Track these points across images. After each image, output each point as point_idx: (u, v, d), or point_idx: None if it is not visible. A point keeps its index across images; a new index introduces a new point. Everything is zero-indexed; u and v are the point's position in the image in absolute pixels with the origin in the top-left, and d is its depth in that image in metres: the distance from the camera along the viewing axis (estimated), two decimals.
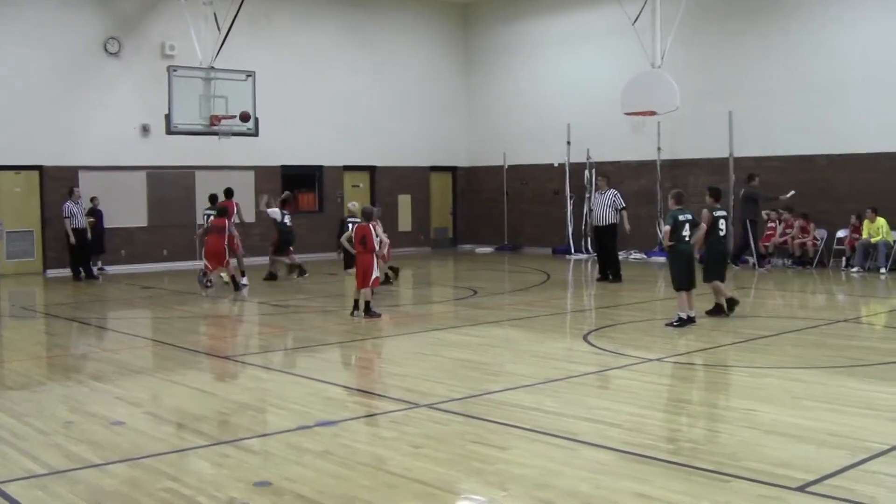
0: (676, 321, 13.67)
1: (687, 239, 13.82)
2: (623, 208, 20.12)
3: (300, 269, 21.85)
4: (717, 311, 14.64)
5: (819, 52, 23.03)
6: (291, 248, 22.24)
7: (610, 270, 20.05)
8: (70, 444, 7.92)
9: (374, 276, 15.03)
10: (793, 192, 21.95)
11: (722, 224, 14.28)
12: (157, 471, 7.13)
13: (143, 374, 11.37)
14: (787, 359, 11.42)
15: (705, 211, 14.29)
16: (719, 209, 14.44)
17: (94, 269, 22.86)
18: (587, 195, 27.23)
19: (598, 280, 20.12)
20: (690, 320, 13.69)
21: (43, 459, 7.46)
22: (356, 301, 15.19)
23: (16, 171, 23.30)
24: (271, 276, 21.58)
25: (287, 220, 22.00)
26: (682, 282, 13.76)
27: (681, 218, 13.84)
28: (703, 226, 14.06)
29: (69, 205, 22.32)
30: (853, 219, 21.88)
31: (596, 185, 20.39)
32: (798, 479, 6.55)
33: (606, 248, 20.30)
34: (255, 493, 6.54)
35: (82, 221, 22.51)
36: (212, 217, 20.03)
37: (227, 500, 6.39)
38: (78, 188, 22.80)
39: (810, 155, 23.07)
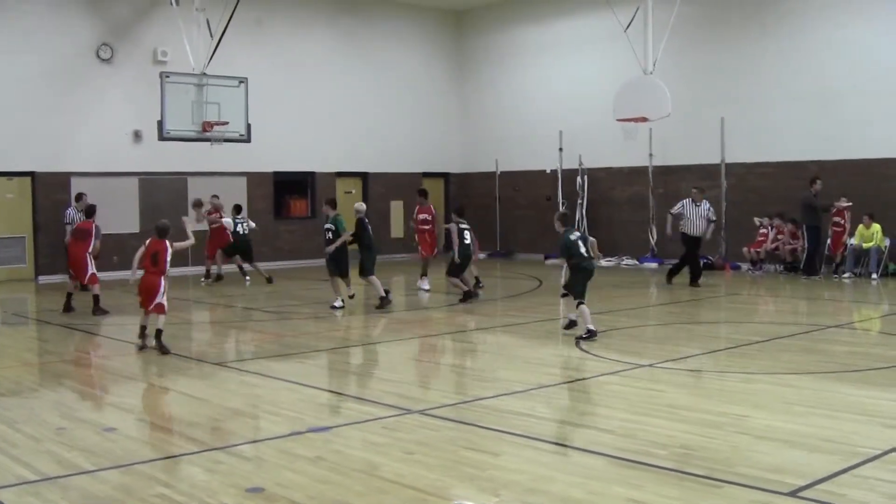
0: (586, 334, 13.25)
1: (588, 256, 13.61)
2: (713, 220, 21.07)
3: (219, 277, 22.44)
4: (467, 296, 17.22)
5: (810, 58, 23.10)
6: (237, 256, 22.63)
7: (696, 274, 20.70)
8: (62, 451, 7.91)
9: (158, 301, 12.90)
10: (847, 202, 21.70)
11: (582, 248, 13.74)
12: (150, 477, 7.12)
13: (134, 381, 11.35)
14: (779, 364, 11.44)
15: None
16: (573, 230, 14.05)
17: None
18: (578, 201, 27.28)
19: (690, 285, 20.41)
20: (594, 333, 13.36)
21: (35, 466, 7.44)
22: (143, 328, 13.10)
23: (8, 177, 23.25)
24: (218, 277, 22.49)
25: (242, 227, 22.40)
26: (582, 293, 13.54)
27: (572, 238, 13.59)
28: (592, 239, 14.08)
29: (71, 211, 21.76)
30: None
31: (692, 196, 20.70)
32: (790, 484, 6.56)
33: (695, 255, 20.93)
34: (248, 499, 6.54)
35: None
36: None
37: None
38: (86, 195, 21.89)
39: (802, 161, 23.13)
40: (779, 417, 8.62)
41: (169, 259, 13.09)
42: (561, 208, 27.29)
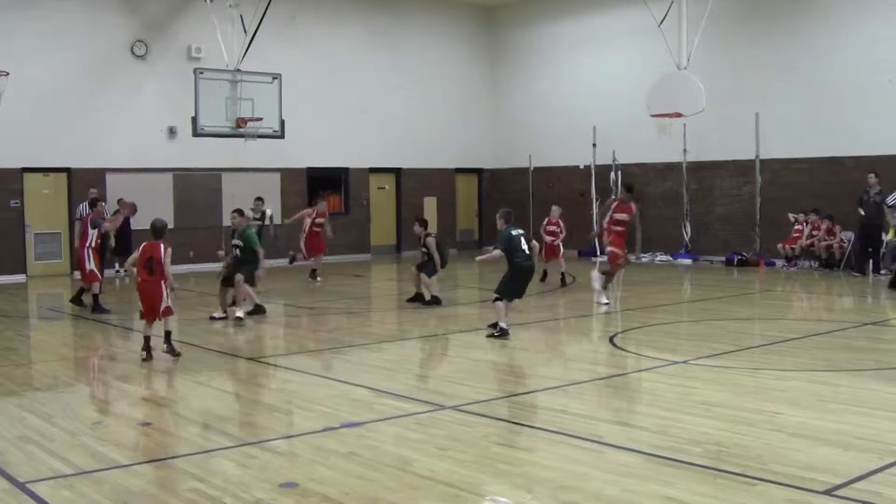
0: (498, 332, 13.13)
1: (528, 253, 13.28)
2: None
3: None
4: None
5: (846, 53, 22.88)
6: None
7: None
8: (97, 445, 7.96)
9: (164, 304, 12.04)
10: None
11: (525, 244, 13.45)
12: (184, 471, 7.16)
13: (169, 375, 11.42)
14: (814, 362, 11.36)
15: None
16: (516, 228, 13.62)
17: (114, 272, 22.72)
18: (612, 196, 27.15)
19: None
20: (505, 332, 13.18)
21: (70, 460, 7.50)
22: (147, 339, 12.10)
23: (44, 172, 23.46)
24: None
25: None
26: (510, 294, 13.33)
27: (514, 232, 13.28)
28: (535, 243, 13.77)
29: (84, 206, 21.57)
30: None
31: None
32: (825, 482, 6.51)
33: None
34: (282, 494, 6.56)
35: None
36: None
37: (253, 501, 6.41)
38: (94, 190, 21.80)
39: (838, 157, 22.92)
40: (813, 415, 8.55)
41: (168, 261, 11.96)
42: (594, 204, 27.26)
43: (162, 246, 12.03)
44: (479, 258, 14.36)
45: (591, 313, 16.33)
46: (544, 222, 21.35)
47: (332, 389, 10.23)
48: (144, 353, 11.96)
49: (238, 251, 15.74)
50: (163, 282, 11.96)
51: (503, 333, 13.04)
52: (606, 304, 16.84)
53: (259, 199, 22.83)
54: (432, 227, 29.08)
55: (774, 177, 24.34)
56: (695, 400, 9.33)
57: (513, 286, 13.29)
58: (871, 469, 6.85)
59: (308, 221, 21.77)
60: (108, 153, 23.89)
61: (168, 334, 12.13)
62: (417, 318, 15.73)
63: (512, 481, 6.81)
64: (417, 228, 17.52)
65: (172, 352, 12.10)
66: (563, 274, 20.29)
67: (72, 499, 6.55)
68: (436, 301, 17.01)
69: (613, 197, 20.71)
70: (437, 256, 16.93)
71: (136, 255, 12.16)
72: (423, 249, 17.15)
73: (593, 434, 7.97)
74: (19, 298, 20.05)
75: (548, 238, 20.72)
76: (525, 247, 13.23)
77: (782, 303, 18.07)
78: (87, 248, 16.92)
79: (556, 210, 21.45)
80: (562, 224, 21.08)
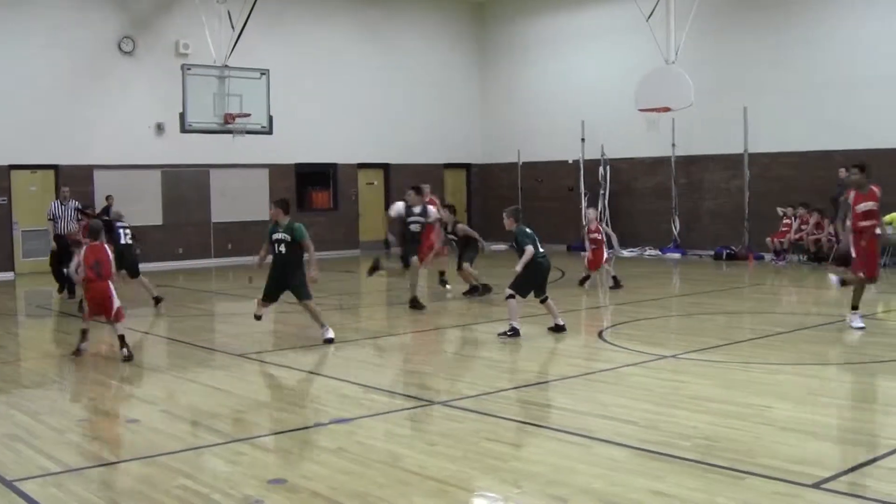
0: (510, 331, 12.84)
1: (542, 250, 12.99)
2: None
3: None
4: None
5: (835, 46, 22.93)
6: (124, 272, 16.60)
7: None
8: (85, 442, 7.95)
9: (116, 305, 11.93)
10: None
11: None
12: (172, 469, 7.14)
13: (157, 372, 11.40)
14: (804, 355, 11.38)
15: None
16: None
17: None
18: (601, 191, 27.24)
19: None
20: (517, 331, 12.89)
21: (58, 457, 7.48)
22: (84, 332, 12.15)
23: (31, 170, 23.38)
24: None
25: (124, 236, 16.94)
26: (525, 291, 13.03)
27: (529, 231, 12.98)
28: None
29: (55, 205, 19.51)
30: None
31: None
32: (813, 475, 6.52)
33: None
34: (270, 490, 6.55)
35: (69, 226, 19.11)
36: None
37: (242, 498, 6.40)
38: (66, 188, 20.20)
39: (826, 150, 22.97)
40: (803, 408, 8.57)
41: (112, 261, 12.05)
42: (583, 199, 27.26)
43: (105, 246, 12.11)
44: (518, 267, 12.92)
45: (579, 308, 16.34)
46: (584, 230, 19.02)
47: (321, 385, 10.22)
48: (82, 345, 12.07)
49: (283, 247, 12.91)
50: (109, 282, 11.96)
51: (515, 333, 12.75)
52: (862, 328, 12.92)
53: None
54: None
55: (763, 171, 24.38)
56: (684, 394, 9.33)
57: (528, 283, 12.95)
58: (860, 462, 6.88)
59: None
60: (96, 150, 23.84)
61: (122, 338, 11.92)
62: (407, 314, 15.69)
63: (501, 476, 6.81)
64: (447, 215, 17.06)
65: (129, 357, 11.78)
66: (614, 278, 18.47)
67: (60, 497, 6.52)
68: (486, 288, 17.05)
69: (843, 189, 16.47)
70: (475, 235, 17.14)
71: (78, 259, 12.02)
72: (452, 237, 16.97)
73: (582, 428, 7.97)
74: (7, 296, 19.99)
75: (592, 246, 18.44)
76: (539, 244, 12.93)
77: (771, 296, 18.11)
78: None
79: (592, 213, 19.28)
80: (601, 228, 18.74)
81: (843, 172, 21.23)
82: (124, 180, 24.03)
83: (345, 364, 11.64)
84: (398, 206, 16.45)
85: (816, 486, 6.33)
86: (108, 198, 22.80)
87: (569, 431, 7.92)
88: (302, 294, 12.77)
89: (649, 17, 22.13)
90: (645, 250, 26.38)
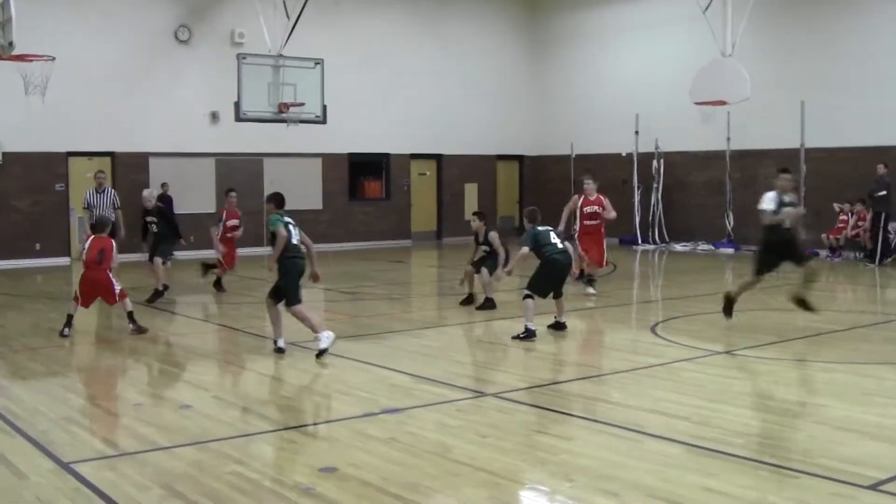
0: (524, 333, 12.28)
1: (560, 246, 12.54)
2: None
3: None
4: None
5: (893, 39, 22.56)
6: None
7: None
8: (139, 427, 8.02)
9: (117, 289, 12.47)
10: None
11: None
12: (224, 454, 7.19)
13: (210, 359, 11.49)
14: (859, 354, 11.23)
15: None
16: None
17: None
18: (654, 185, 27.08)
19: None
20: (532, 333, 12.37)
21: (112, 441, 7.56)
22: (70, 317, 12.59)
23: (88, 157, 23.64)
24: None
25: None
26: (543, 290, 12.57)
27: (540, 228, 12.59)
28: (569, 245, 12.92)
29: (89, 193, 17.94)
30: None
31: None
32: (869, 477, 6.42)
33: None
34: (321, 478, 6.57)
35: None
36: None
37: (292, 485, 6.43)
38: (102, 172, 18.92)
39: (885, 146, 22.61)
40: (858, 408, 8.45)
41: (115, 254, 12.72)
42: (636, 192, 27.08)
43: (112, 240, 12.87)
44: (505, 269, 13.33)
45: (631, 302, 16.23)
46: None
47: (371, 375, 10.24)
48: (66, 329, 12.52)
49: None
50: (108, 271, 12.56)
51: (529, 335, 12.27)
52: None
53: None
54: (471, 215, 29.08)
55: (819, 166, 24.04)
56: (737, 391, 9.25)
57: (545, 282, 12.56)
58: None
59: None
60: (151, 138, 24.07)
61: (130, 314, 12.61)
62: (457, 305, 15.63)
63: (551, 469, 6.78)
64: (476, 223, 15.82)
65: (140, 330, 12.59)
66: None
67: (115, 480, 6.59)
68: (490, 304, 15.28)
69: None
70: (502, 252, 15.03)
71: (83, 248, 12.87)
72: (484, 246, 15.95)
73: (633, 423, 7.92)
74: (64, 281, 20.22)
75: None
76: (555, 239, 12.54)
77: (826, 294, 17.86)
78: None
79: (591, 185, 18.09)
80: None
81: (881, 169, 20.99)
82: (178, 168, 24.26)
83: (395, 354, 11.65)
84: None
85: (873, 487, 6.24)
86: (163, 185, 23.03)
87: (620, 426, 7.87)
88: (291, 299, 11.49)
89: (706, 9, 21.90)
90: (698, 245, 26.17)
